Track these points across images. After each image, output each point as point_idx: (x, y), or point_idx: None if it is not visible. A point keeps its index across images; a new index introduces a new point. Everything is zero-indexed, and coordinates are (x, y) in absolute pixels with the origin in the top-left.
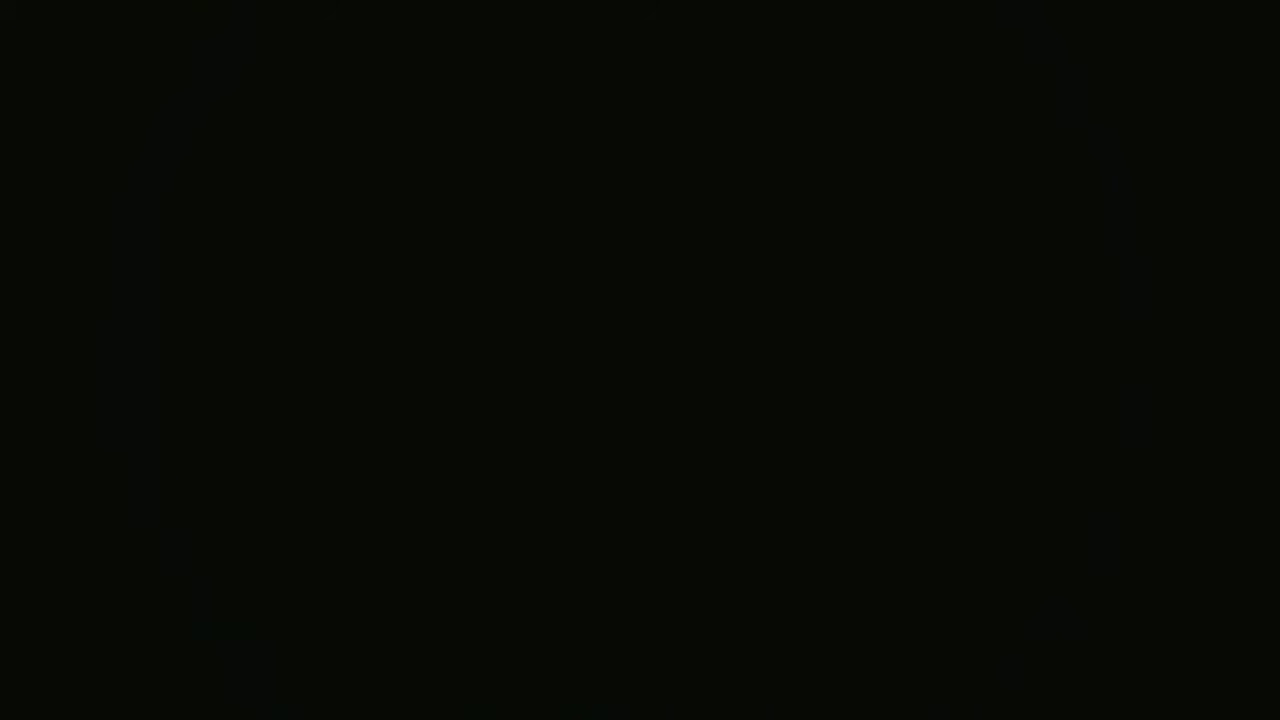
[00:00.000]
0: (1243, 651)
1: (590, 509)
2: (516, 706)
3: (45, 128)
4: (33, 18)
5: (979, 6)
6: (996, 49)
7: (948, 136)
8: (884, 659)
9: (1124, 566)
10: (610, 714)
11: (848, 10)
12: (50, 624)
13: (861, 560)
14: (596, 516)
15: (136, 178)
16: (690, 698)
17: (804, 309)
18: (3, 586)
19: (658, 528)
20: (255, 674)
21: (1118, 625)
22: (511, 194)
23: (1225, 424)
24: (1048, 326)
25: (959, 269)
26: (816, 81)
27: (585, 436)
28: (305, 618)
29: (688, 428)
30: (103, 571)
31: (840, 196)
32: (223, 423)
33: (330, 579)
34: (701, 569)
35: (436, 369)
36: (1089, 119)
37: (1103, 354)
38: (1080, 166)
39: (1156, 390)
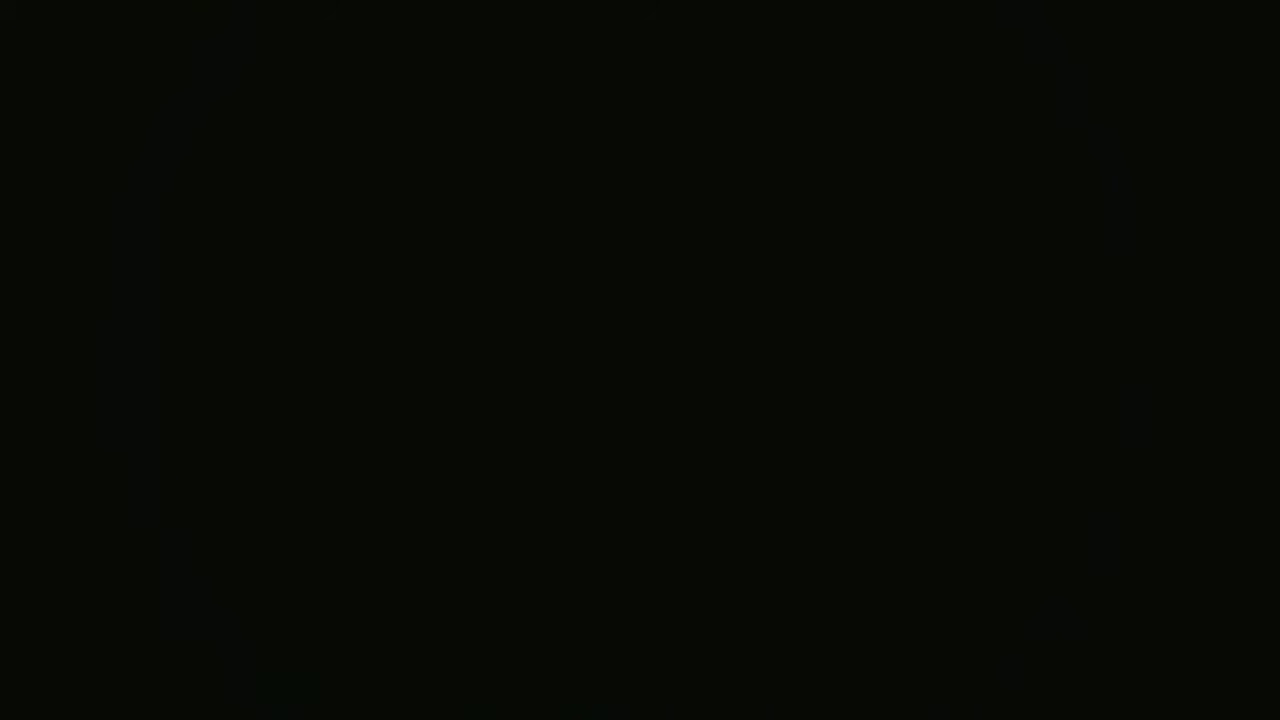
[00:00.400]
0: (1243, 651)
1: (590, 509)
2: (517, 706)
3: (45, 128)
4: (33, 18)
5: (979, 6)
6: (996, 49)
7: (948, 136)
8: (884, 659)
9: (1124, 566)
10: (610, 714)
11: (848, 10)
12: (50, 624)
13: (861, 560)
14: (596, 517)
15: (136, 178)
16: (690, 698)
17: (804, 309)
18: (3, 587)
19: (657, 528)
20: (255, 674)
21: (1118, 625)
22: (512, 194)
23: (1225, 424)
24: (1048, 326)
25: (959, 269)
26: (817, 81)
27: (585, 437)
28: (305, 617)
29: (688, 428)
30: (103, 571)
31: (841, 196)
32: (222, 423)
33: (330, 579)
34: (701, 569)
35: (436, 369)
36: (1089, 119)
37: (1103, 354)
38: (1080, 166)
39: (1156, 390)
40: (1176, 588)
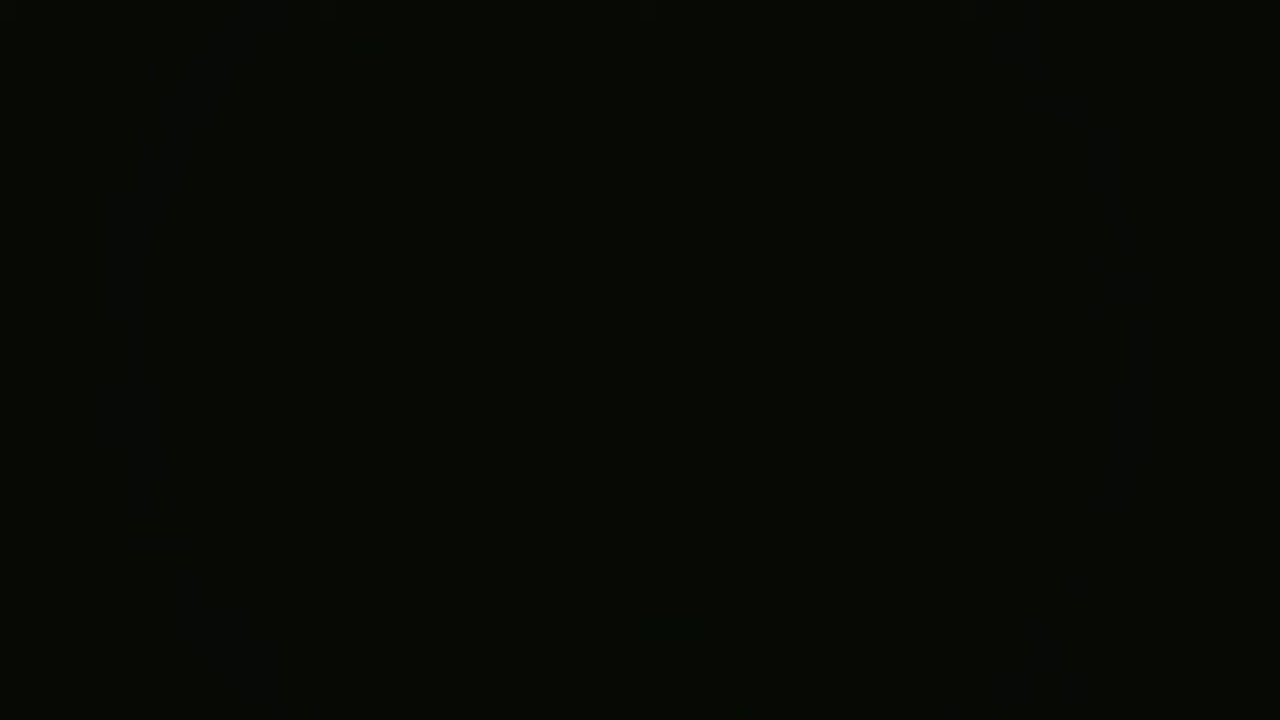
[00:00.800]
0: (1243, 652)
1: (589, 509)
2: (516, 706)
3: (45, 128)
4: (33, 18)
5: (979, 9)
6: (995, 50)
7: (947, 137)
8: (884, 663)
9: (1123, 567)
10: (608, 714)
11: (846, 12)
12: (50, 624)
13: (860, 563)
14: (595, 517)
15: (135, 177)
16: (688, 698)
17: (801, 310)
18: (2, 586)
19: (657, 530)
20: (255, 674)
21: (1115, 630)
22: (511, 195)
23: (1225, 425)
24: (1046, 327)
25: (958, 270)
26: (815, 83)
27: (583, 437)
28: (305, 617)
29: (686, 429)
30: (103, 571)
31: (838, 197)
32: (222, 423)
33: (330, 579)
34: (699, 571)
35: (436, 369)
36: (1089, 120)
37: (1101, 354)
38: (1080, 166)
39: (1155, 390)
40: (1177, 588)
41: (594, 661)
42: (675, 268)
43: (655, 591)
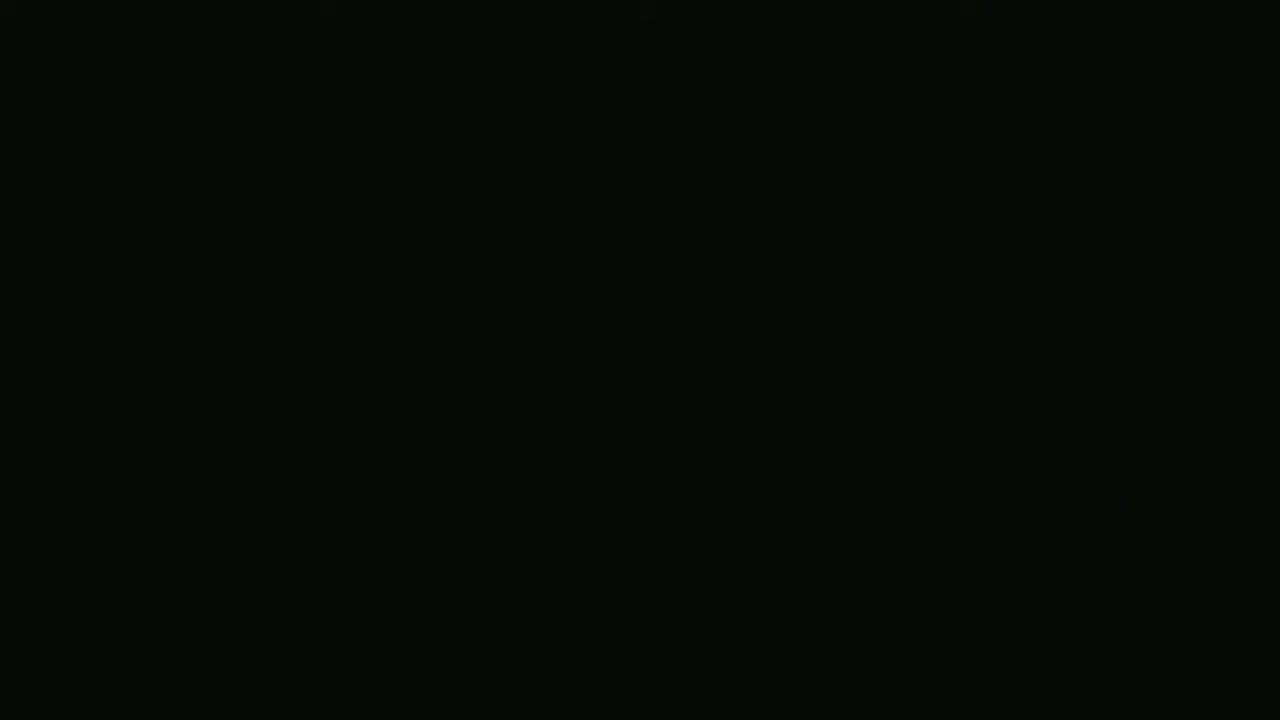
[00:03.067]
0: (1243, 651)
1: (585, 509)
2: (513, 707)
3: (44, 127)
4: (33, 17)
5: (976, 5)
6: (995, 50)
7: (945, 137)
8: (885, 662)
9: (1123, 567)
10: (604, 714)
11: (844, 11)
12: (49, 624)
13: (863, 563)
14: (591, 517)
15: (137, 176)
16: (684, 699)
17: (802, 310)
18: (2, 586)
19: (657, 530)
20: (256, 674)
21: (1118, 626)
22: (510, 195)
23: (1222, 425)
24: (1041, 326)
25: (955, 270)
26: (812, 83)
27: (580, 437)
28: (305, 618)
29: (685, 429)
30: (102, 572)
31: (837, 197)
32: (222, 422)
33: (329, 579)
34: (700, 569)
35: (434, 368)
36: (1088, 119)
37: (1096, 354)
38: (1078, 167)
39: (1150, 390)
40: (1176, 588)
41: (592, 660)
42: (676, 268)
43: (656, 591)
